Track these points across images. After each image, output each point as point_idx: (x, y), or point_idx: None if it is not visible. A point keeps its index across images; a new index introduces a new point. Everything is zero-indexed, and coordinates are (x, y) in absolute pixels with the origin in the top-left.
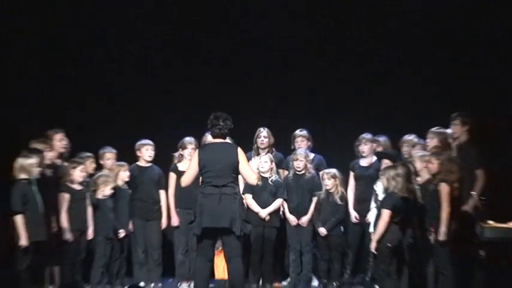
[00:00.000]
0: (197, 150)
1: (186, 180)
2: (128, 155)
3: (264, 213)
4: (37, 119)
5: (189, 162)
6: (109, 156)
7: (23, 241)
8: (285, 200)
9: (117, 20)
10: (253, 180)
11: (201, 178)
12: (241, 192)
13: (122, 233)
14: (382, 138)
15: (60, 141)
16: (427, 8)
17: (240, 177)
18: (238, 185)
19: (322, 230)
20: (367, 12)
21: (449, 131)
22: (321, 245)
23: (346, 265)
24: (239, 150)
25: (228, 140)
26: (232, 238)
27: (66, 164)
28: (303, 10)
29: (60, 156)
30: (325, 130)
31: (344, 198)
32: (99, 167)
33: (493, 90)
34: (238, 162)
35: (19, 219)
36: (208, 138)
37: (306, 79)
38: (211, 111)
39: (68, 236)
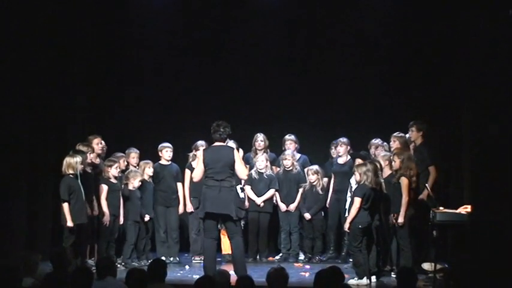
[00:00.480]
0: (202, 151)
1: (197, 176)
2: (152, 154)
3: (259, 200)
4: (81, 125)
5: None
6: (134, 155)
7: (69, 223)
8: (276, 190)
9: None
10: (244, 176)
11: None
12: (242, 184)
13: (147, 218)
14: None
15: (97, 145)
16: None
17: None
18: (234, 179)
19: (307, 215)
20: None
21: (408, 135)
22: (306, 227)
23: (330, 244)
24: (235, 151)
25: (232, 143)
26: (230, 222)
27: (103, 162)
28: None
29: (98, 156)
30: (309, 134)
31: (324, 189)
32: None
33: (444, 100)
34: (234, 161)
35: (65, 206)
36: (228, 142)
37: (293, 95)
38: (220, 120)
39: (107, 219)
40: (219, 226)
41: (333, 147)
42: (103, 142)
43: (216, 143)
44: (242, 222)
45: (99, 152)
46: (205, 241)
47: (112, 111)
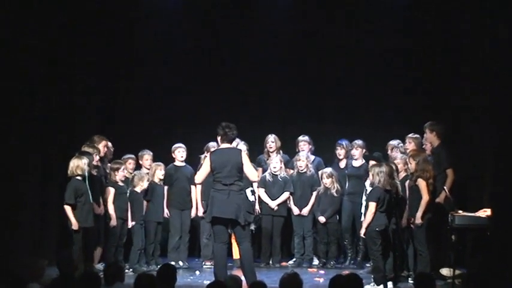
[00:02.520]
0: (208, 154)
1: (199, 179)
2: (164, 157)
3: (273, 204)
4: (90, 125)
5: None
6: (147, 157)
7: (75, 227)
8: (291, 193)
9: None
10: (254, 178)
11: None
12: (256, 186)
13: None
14: (345, 142)
15: (103, 147)
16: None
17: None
18: (243, 182)
19: (322, 218)
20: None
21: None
22: (320, 231)
23: (348, 247)
24: (243, 153)
25: (242, 145)
26: (239, 226)
27: (109, 165)
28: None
29: (104, 157)
30: (323, 136)
31: (339, 192)
32: (140, 167)
33: (462, 99)
34: (242, 164)
35: (68, 209)
36: (239, 144)
37: (306, 95)
38: (229, 121)
39: (114, 222)
40: (229, 230)
41: (338, 148)
42: (110, 144)
43: (223, 145)
44: (253, 227)
45: (102, 155)
46: (215, 246)
47: (123, 112)
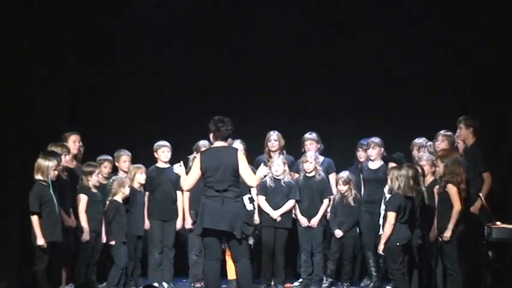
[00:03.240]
0: (198, 155)
1: (188, 185)
2: (146, 158)
3: (275, 214)
4: (56, 120)
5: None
6: (125, 159)
7: (39, 241)
8: (297, 201)
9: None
10: (253, 182)
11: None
12: (255, 193)
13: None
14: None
15: (74, 143)
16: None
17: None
18: (239, 187)
19: (338, 232)
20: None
21: (456, 134)
22: (333, 246)
23: (371, 267)
24: (239, 153)
25: (238, 143)
26: (235, 241)
27: (80, 166)
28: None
29: (74, 158)
30: (333, 133)
31: (357, 200)
32: (116, 170)
33: (498, 92)
34: (238, 165)
35: (35, 220)
36: (234, 143)
37: (313, 86)
38: (227, 117)
39: (86, 236)
40: (222, 245)
41: (360, 149)
42: (80, 141)
43: (216, 144)
44: (251, 241)
45: (75, 152)
46: (206, 263)
47: (96, 104)
